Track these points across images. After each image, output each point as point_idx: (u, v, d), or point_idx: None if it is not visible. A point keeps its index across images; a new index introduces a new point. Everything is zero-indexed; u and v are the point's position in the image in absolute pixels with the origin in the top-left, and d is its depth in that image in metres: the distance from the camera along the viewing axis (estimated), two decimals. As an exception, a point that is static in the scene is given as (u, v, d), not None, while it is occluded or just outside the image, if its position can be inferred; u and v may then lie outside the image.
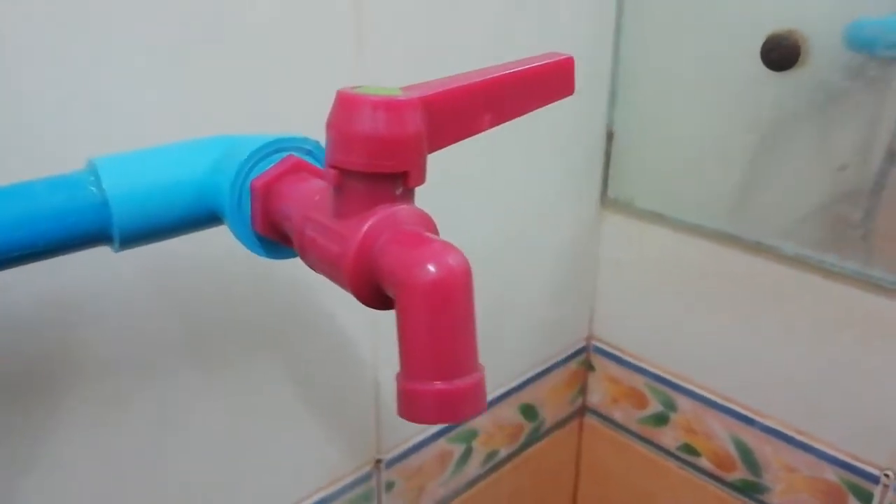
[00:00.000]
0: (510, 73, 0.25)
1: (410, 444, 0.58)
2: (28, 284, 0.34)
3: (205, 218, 0.30)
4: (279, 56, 0.40)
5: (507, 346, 0.63)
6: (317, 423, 0.50)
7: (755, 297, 0.58)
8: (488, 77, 0.25)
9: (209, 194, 0.29)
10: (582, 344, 0.71)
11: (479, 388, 0.22)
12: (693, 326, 0.63)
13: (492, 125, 0.25)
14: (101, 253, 0.29)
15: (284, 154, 0.28)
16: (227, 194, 0.28)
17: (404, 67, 0.46)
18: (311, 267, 0.26)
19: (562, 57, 0.27)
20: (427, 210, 0.45)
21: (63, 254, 0.28)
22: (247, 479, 0.47)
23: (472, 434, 0.63)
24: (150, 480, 0.42)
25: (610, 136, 0.63)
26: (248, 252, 0.30)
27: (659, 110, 0.60)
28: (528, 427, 0.69)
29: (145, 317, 0.39)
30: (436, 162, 0.49)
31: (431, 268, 0.21)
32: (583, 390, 0.74)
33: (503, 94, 0.25)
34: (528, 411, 0.68)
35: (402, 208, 0.23)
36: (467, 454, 0.63)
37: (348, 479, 0.54)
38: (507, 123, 0.53)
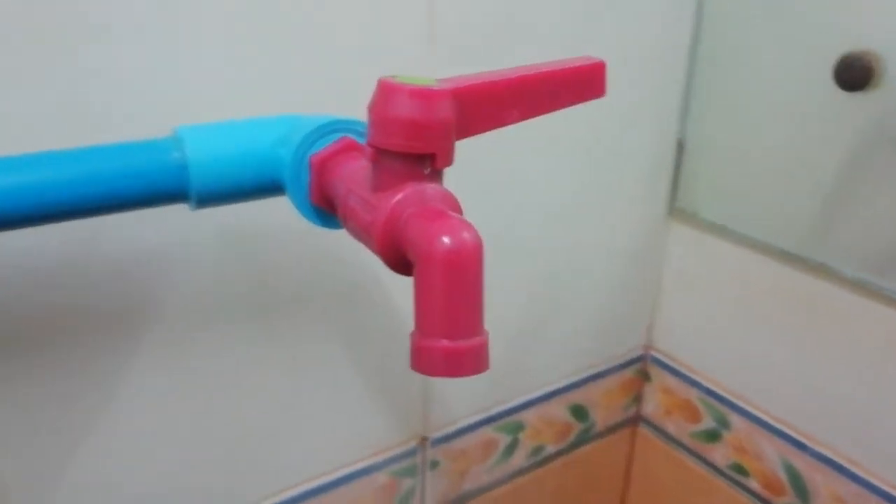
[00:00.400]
0: (540, 72, 0.27)
1: (456, 426, 0.60)
2: (122, 234, 0.39)
3: (270, 187, 0.33)
4: (352, 44, 0.43)
5: (560, 345, 0.65)
6: (366, 395, 0.53)
7: (817, 320, 0.57)
8: (518, 75, 0.27)
9: (274, 166, 0.33)
10: (639, 352, 0.72)
11: (481, 349, 0.24)
12: (751, 344, 0.62)
13: (519, 119, 0.27)
14: (187, 215, 0.33)
15: (340, 134, 0.31)
16: (288, 167, 0.32)
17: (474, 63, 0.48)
18: (351, 234, 0.29)
19: (594, 61, 0.29)
20: (491, 204, 0.48)
21: (146, 207, 0.32)
22: (295, 438, 0.51)
23: (519, 426, 0.65)
24: (204, 427, 0.47)
25: (680, 147, 0.64)
26: (311, 225, 0.33)
27: (731, 124, 0.60)
28: (578, 428, 0.70)
29: (220, 276, 0.44)
30: (502, 158, 0.51)
31: (447, 240, 0.24)
32: (638, 399, 0.74)
33: (531, 91, 0.28)
34: (579, 412, 0.69)
35: (428, 186, 0.26)
36: (513, 445, 0.65)
37: (393, 452, 0.57)
38: (578, 126, 0.55)
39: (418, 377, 0.56)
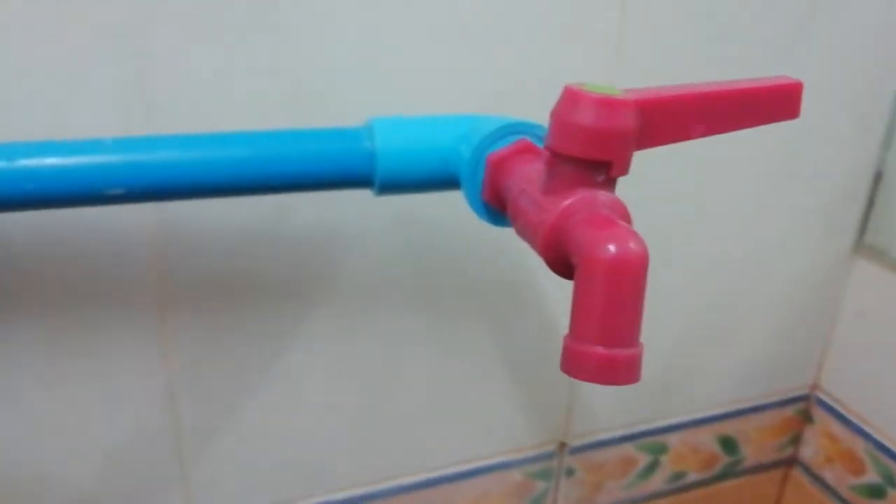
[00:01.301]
0: (731, 89, 0.27)
1: (596, 438, 0.60)
2: (306, 213, 0.43)
3: (447, 181, 0.35)
4: (541, 50, 0.44)
5: (716, 372, 0.62)
6: (512, 393, 0.54)
7: None
8: (708, 90, 0.27)
9: (453, 162, 0.34)
10: (804, 392, 0.68)
11: (635, 360, 0.24)
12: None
13: (705, 135, 0.27)
14: (367, 200, 0.36)
15: (520, 136, 0.33)
16: (466, 163, 0.33)
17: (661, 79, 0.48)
18: (518, 233, 0.30)
19: (791, 81, 0.28)
20: (664, 217, 0.47)
21: (335, 189, 0.35)
22: (440, 423, 0.53)
23: (662, 448, 0.63)
24: (359, 398, 0.50)
25: (877, 179, 0.59)
26: (480, 222, 0.35)
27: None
28: (726, 460, 0.67)
29: (390, 261, 0.46)
30: (681, 171, 0.50)
31: (612, 247, 0.24)
32: (796, 440, 0.70)
33: (719, 107, 0.27)
34: (728, 444, 0.66)
35: (601, 193, 0.26)
36: (653, 466, 0.64)
37: (531, 453, 0.58)
38: (765, 145, 0.52)
39: (565, 383, 0.56)
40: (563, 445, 0.59)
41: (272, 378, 0.46)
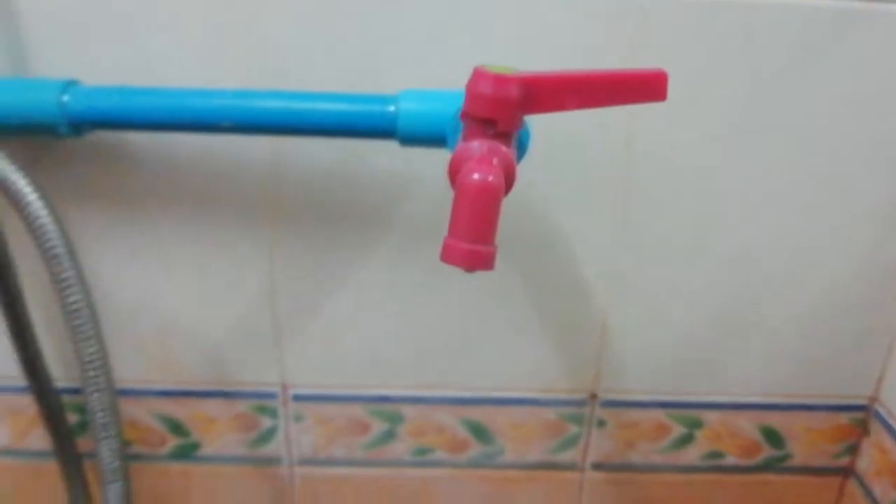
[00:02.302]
0: (599, 72, 0.37)
1: (629, 398, 0.68)
2: (377, 160, 0.57)
3: (440, 139, 0.48)
4: (553, 44, 0.54)
5: (759, 361, 0.66)
6: (545, 339, 0.64)
7: None
8: (579, 72, 0.37)
9: (450, 124, 0.47)
10: (862, 402, 0.69)
11: (489, 254, 0.35)
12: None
13: (578, 107, 0.37)
14: (427, 154, 0.49)
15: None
16: (451, 125, 0.46)
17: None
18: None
19: (657, 71, 0.37)
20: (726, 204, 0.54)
21: (369, 138, 0.49)
22: (484, 350, 0.65)
23: (697, 422, 0.69)
24: (414, 318, 0.63)
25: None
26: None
27: None
28: (769, 452, 0.71)
29: (440, 205, 0.59)
30: (757, 170, 0.57)
31: (476, 176, 0.35)
32: (852, 450, 0.71)
33: (591, 86, 0.37)
34: (772, 436, 0.70)
35: (491, 142, 0.37)
36: (688, 438, 0.70)
37: (563, 396, 0.67)
38: (834, 143, 0.55)
39: (596, 337, 0.65)
40: (594, 396, 0.68)
41: (346, 284, 0.62)
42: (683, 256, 0.61)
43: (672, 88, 0.37)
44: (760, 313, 0.64)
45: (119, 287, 0.61)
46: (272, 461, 0.69)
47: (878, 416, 0.68)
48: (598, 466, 0.71)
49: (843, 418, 0.69)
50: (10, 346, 0.58)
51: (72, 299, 0.46)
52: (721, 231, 0.61)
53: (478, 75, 0.37)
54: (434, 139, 0.48)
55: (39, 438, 0.67)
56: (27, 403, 0.64)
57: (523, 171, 0.42)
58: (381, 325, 0.64)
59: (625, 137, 0.57)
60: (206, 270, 0.61)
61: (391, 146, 0.49)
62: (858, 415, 0.69)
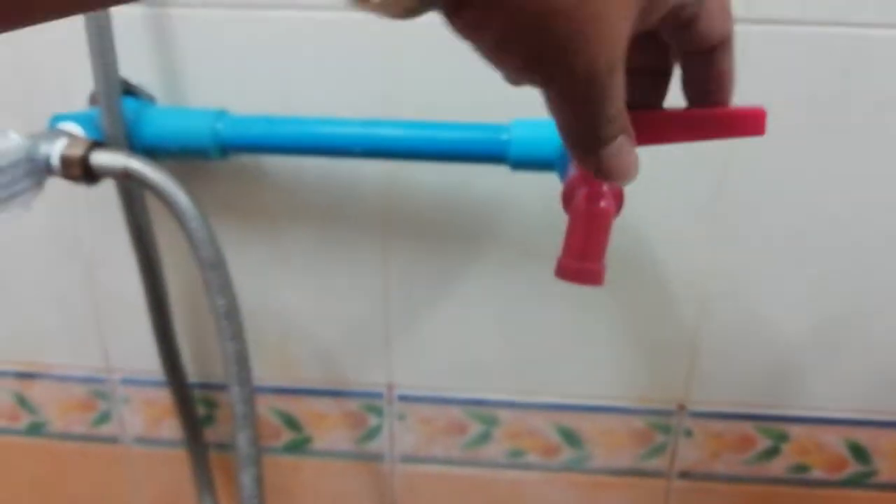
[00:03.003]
0: (703, 109, 0.40)
1: (716, 409, 0.70)
2: (480, 184, 0.62)
3: (549, 165, 0.52)
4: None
5: (847, 377, 0.68)
6: (637, 351, 0.68)
7: None
8: (682, 109, 0.41)
9: (558, 151, 0.51)
10: (951, 422, 0.70)
11: (597, 272, 0.40)
12: None
13: (677, 142, 0.41)
14: (522, 179, 0.54)
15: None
16: (560, 151, 0.50)
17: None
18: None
19: (757, 109, 0.40)
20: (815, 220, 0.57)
21: (485, 163, 0.54)
22: (572, 359, 0.69)
23: (783, 436, 0.71)
24: (510, 329, 0.68)
25: None
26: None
27: None
28: (857, 468, 0.72)
29: (538, 226, 0.64)
30: (839, 186, 0.59)
31: (589, 202, 0.40)
32: (942, 470, 0.72)
33: (691, 122, 0.41)
34: (859, 452, 0.71)
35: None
36: (774, 451, 0.72)
37: (652, 406, 0.70)
38: None
39: (687, 351, 0.68)
40: (682, 407, 0.71)
41: (452, 296, 0.67)
42: (781, 266, 0.64)
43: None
44: (861, 327, 0.66)
45: (246, 293, 0.68)
46: (376, 457, 0.75)
47: (969, 436, 0.69)
48: (684, 475, 0.74)
49: (933, 437, 0.70)
50: (153, 343, 0.66)
51: (220, 302, 0.52)
52: (826, 236, 0.63)
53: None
54: (543, 164, 0.53)
55: (171, 428, 0.74)
56: (162, 395, 0.72)
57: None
58: (483, 333, 0.69)
59: (718, 148, 0.60)
60: (324, 280, 0.67)
61: (491, 172, 0.54)
62: (949, 435, 0.70)
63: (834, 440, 0.71)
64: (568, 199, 0.43)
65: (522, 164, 0.53)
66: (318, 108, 0.60)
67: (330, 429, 0.74)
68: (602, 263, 0.41)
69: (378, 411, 0.73)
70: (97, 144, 0.51)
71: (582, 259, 0.40)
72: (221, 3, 0.58)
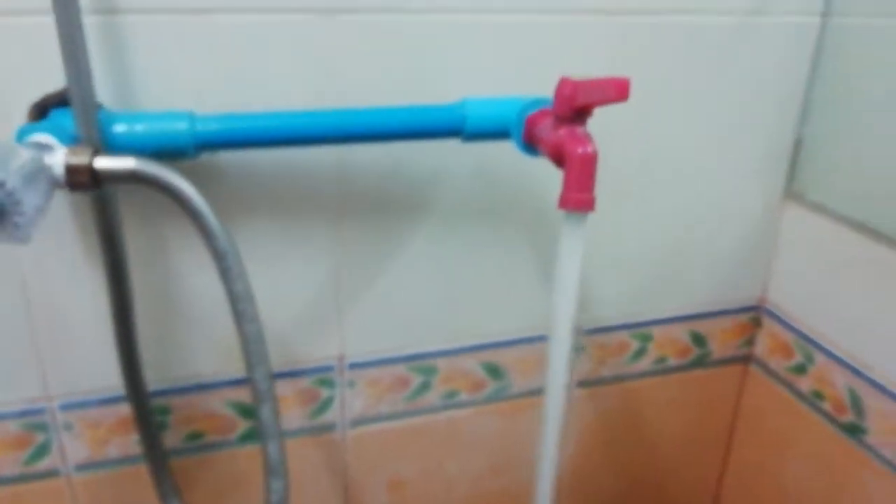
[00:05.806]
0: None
1: (602, 324, 0.87)
2: (416, 160, 0.72)
3: (504, 134, 0.64)
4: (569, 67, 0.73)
5: (689, 283, 0.89)
6: (538, 286, 0.82)
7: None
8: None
9: (512, 121, 0.63)
10: (754, 303, 0.94)
11: (592, 200, 0.52)
12: (841, 301, 0.83)
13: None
14: (456, 151, 0.64)
15: (542, 106, 0.61)
16: (514, 122, 0.62)
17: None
18: (541, 153, 0.58)
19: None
20: (645, 155, 0.73)
21: (442, 138, 0.64)
22: (489, 304, 0.81)
23: (649, 337, 0.90)
24: (442, 280, 0.78)
25: (797, 145, 0.86)
26: (526, 169, 0.63)
27: (840, 127, 0.81)
28: (696, 351, 0.94)
29: (470, 193, 0.75)
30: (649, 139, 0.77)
31: (579, 149, 0.52)
32: (750, 341, 0.96)
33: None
34: (698, 338, 0.93)
35: (578, 127, 0.54)
36: (642, 351, 0.91)
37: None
38: (713, 120, 0.78)
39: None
40: (579, 328, 0.86)
41: (396, 261, 0.75)
42: (648, 199, 0.82)
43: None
44: (686, 250, 0.87)
45: (199, 286, 0.70)
46: (328, 428, 0.81)
47: (767, 312, 0.94)
48: (581, 384, 0.90)
49: (744, 318, 0.94)
50: (105, 358, 0.66)
51: (239, 287, 0.56)
52: (663, 193, 0.82)
53: (564, 81, 0.54)
54: (498, 134, 0.64)
55: (119, 446, 0.73)
56: (108, 413, 0.71)
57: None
58: (423, 292, 0.77)
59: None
60: (278, 269, 0.71)
61: (428, 150, 0.64)
62: (753, 313, 0.94)
63: (681, 333, 0.92)
64: (559, 149, 0.55)
65: (477, 135, 0.64)
66: (273, 103, 0.65)
67: (284, 410, 0.78)
68: (593, 193, 0.53)
69: (330, 384, 0.79)
70: (97, 150, 0.52)
71: (581, 191, 0.52)
72: (165, 8, 0.60)
